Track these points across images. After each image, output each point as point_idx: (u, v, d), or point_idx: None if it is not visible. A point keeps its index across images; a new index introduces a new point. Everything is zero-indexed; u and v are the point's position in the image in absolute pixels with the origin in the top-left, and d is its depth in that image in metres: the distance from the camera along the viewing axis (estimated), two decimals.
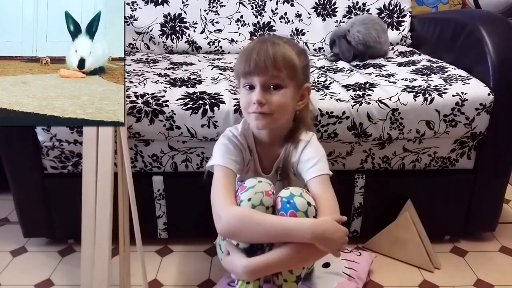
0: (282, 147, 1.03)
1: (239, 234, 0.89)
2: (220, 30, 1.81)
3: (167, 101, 1.18)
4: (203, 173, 1.02)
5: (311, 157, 0.97)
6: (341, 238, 0.87)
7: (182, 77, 1.36)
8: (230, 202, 0.90)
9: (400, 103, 1.18)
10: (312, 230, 0.84)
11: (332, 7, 1.84)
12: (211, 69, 1.48)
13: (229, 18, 1.81)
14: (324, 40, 1.82)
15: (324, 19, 1.83)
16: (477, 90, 1.20)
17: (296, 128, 1.03)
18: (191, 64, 1.59)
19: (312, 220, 0.87)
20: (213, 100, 1.18)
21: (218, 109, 1.16)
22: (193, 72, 1.44)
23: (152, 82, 1.29)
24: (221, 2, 1.81)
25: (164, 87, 1.25)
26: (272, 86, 0.93)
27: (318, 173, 0.95)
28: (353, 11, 1.83)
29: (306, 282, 1.14)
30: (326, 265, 1.19)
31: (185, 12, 1.80)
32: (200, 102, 1.17)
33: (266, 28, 1.82)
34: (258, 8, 1.82)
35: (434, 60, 1.52)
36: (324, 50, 1.81)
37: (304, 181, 0.98)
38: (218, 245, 1.11)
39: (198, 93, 1.21)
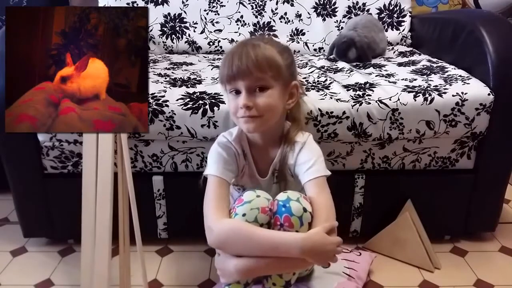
0: (277, 149, 1.02)
1: (229, 247, 0.89)
2: (220, 30, 1.81)
3: (167, 101, 1.17)
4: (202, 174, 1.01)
5: (307, 159, 0.96)
6: (331, 251, 0.86)
7: (182, 77, 1.36)
8: (222, 215, 0.90)
9: (400, 103, 1.18)
10: (301, 245, 0.83)
11: (332, 7, 1.83)
12: (211, 69, 1.48)
13: (229, 18, 1.81)
14: (324, 40, 1.82)
15: (324, 19, 1.83)
16: (477, 90, 1.20)
17: (290, 128, 1.02)
18: (191, 64, 1.59)
19: (302, 235, 0.85)
20: (213, 100, 1.18)
21: (218, 109, 1.16)
22: (193, 72, 1.44)
23: (152, 82, 1.29)
24: (221, 2, 1.81)
25: (164, 87, 1.25)
26: (257, 89, 0.92)
27: (314, 176, 0.94)
28: (353, 11, 1.83)
29: (306, 282, 1.14)
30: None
31: (185, 12, 1.80)
32: (200, 102, 1.17)
33: (266, 28, 1.82)
34: (258, 8, 1.82)
35: (434, 60, 1.52)
36: (324, 50, 1.81)
37: (301, 183, 0.97)
38: None
39: (198, 93, 1.21)
